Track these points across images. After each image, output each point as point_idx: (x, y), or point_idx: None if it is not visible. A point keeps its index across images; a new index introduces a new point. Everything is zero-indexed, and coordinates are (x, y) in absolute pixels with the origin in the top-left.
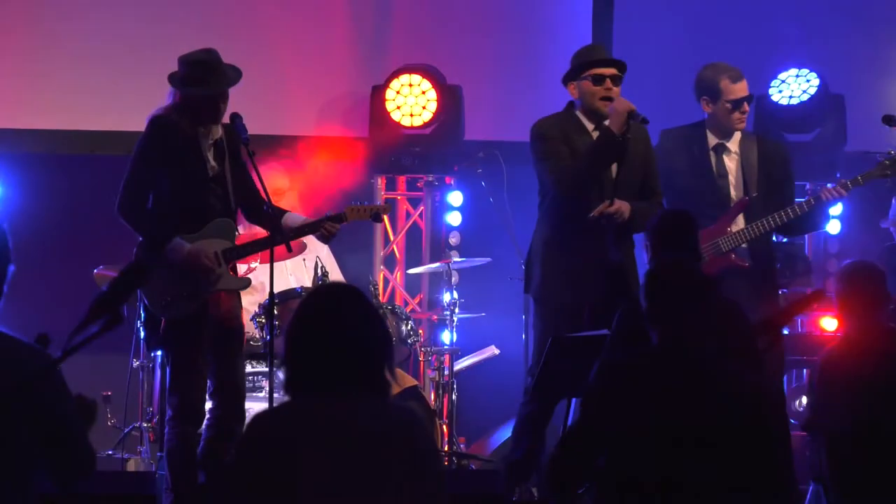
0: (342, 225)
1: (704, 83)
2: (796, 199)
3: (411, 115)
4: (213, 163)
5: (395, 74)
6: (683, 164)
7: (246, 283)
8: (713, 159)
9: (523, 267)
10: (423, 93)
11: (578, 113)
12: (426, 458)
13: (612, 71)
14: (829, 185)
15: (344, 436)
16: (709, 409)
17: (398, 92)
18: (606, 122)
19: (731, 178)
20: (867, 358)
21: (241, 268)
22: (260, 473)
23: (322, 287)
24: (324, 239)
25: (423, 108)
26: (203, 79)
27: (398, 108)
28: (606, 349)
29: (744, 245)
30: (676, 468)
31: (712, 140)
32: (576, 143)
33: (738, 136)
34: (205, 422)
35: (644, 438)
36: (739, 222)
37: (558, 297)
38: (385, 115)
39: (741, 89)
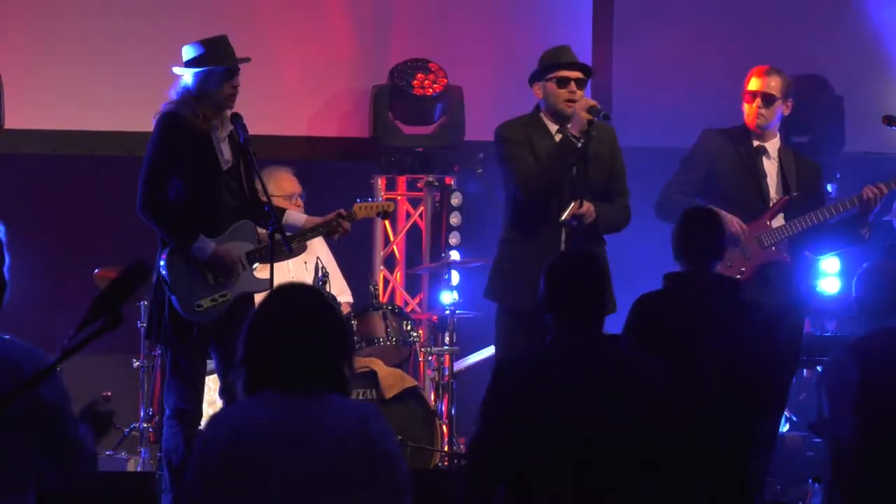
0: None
1: None
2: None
3: None
4: (227, 156)
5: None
6: (729, 163)
7: (266, 284)
8: (756, 160)
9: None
10: None
11: (543, 115)
12: (384, 453)
13: (576, 74)
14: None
15: (301, 433)
16: (620, 407)
17: None
18: (569, 126)
19: (771, 180)
20: (881, 364)
21: None
22: (215, 472)
23: (278, 288)
24: (334, 237)
25: None
26: (225, 53)
27: None
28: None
29: (785, 240)
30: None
31: (755, 142)
32: (538, 146)
33: (777, 143)
34: None
35: (554, 440)
36: (779, 220)
37: (517, 300)
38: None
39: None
